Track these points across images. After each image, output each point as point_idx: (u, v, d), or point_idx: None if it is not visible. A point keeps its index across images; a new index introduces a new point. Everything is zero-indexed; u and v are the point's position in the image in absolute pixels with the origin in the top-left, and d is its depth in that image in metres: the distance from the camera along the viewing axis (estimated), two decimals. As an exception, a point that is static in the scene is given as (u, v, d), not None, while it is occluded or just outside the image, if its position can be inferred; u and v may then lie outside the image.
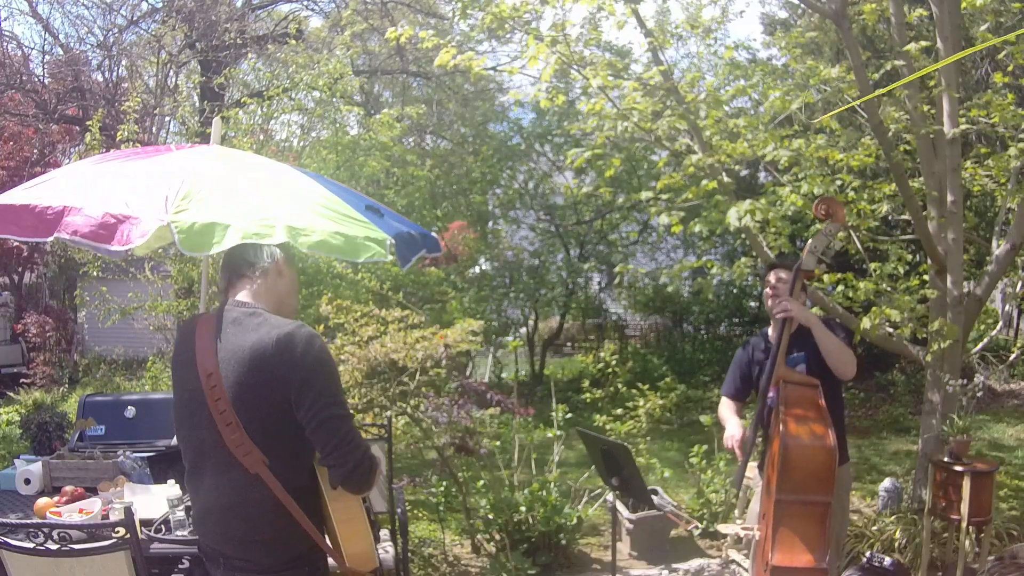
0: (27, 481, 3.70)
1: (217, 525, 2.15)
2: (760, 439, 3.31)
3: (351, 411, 2.09)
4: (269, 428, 2.05)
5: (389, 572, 3.94)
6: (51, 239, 2.16)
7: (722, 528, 4.88)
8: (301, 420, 2.03)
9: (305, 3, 17.73)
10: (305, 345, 2.04)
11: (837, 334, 3.23)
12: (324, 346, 2.10)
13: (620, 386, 7.12)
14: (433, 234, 2.92)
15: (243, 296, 2.21)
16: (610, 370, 7.47)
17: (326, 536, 2.18)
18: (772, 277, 3.37)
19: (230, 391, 2.04)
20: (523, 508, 4.75)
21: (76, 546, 2.48)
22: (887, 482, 5.24)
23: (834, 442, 2.97)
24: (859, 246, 5.32)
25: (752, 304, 11.81)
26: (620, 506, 4.95)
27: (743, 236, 5.39)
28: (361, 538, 2.12)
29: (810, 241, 3.25)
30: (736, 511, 4.97)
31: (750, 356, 3.47)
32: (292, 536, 2.09)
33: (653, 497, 4.90)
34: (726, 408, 3.47)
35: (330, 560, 2.23)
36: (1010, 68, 5.07)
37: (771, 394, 3.19)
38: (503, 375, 11.72)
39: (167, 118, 12.57)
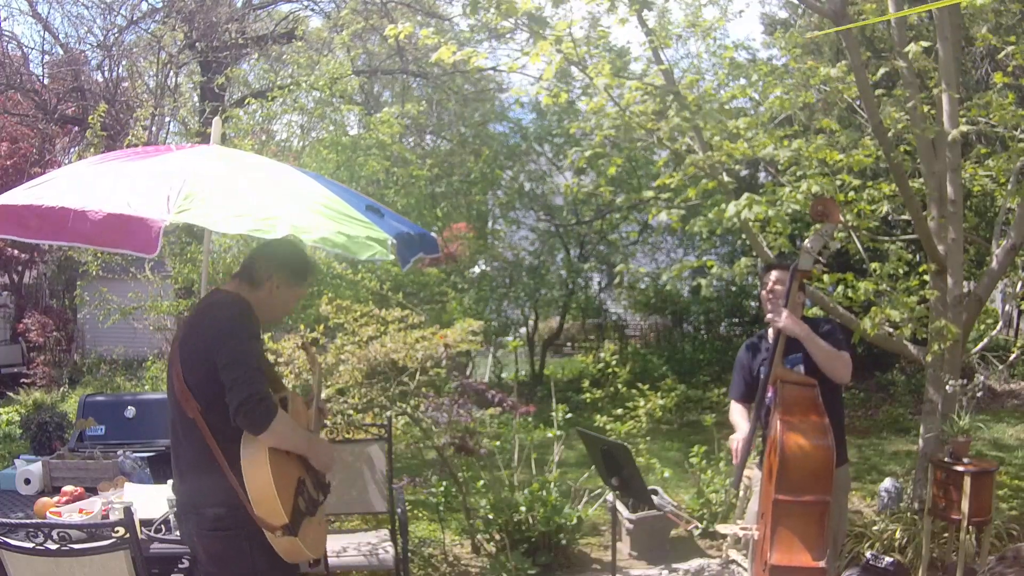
0: (27, 481, 3.70)
1: (176, 472, 2.55)
2: (759, 439, 3.31)
3: (255, 365, 2.39)
4: (202, 379, 2.40)
5: (389, 572, 3.95)
6: (60, 243, 2.21)
7: (721, 528, 4.88)
8: (217, 365, 2.36)
9: (305, 3, 17.74)
10: (228, 310, 2.48)
11: (835, 336, 3.22)
12: (244, 315, 2.48)
13: (620, 386, 7.11)
14: (432, 235, 2.93)
15: (229, 288, 2.60)
16: (610, 370, 7.45)
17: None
18: (769, 279, 3.36)
19: (181, 350, 2.48)
20: (523, 508, 4.75)
21: (76, 546, 2.49)
22: (887, 482, 5.24)
23: (832, 441, 2.96)
24: (859, 246, 5.31)
25: (752, 304, 11.80)
26: (620, 506, 4.94)
27: (743, 236, 5.38)
28: (266, 488, 2.35)
29: (806, 241, 3.24)
30: (736, 511, 4.97)
31: (752, 356, 3.46)
32: (221, 490, 2.38)
33: (653, 497, 4.90)
34: (737, 414, 3.46)
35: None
36: (1010, 68, 5.07)
37: (769, 394, 3.19)
38: (503, 375, 11.71)
39: (167, 118, 12.57)
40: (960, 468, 4.10)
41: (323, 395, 4.47)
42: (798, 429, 2.99)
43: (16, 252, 12.52)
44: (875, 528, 4.69)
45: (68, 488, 3.46)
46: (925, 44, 4.60)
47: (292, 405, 2.65)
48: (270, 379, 2.75)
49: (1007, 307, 11.21)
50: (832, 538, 3.09)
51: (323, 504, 2.66)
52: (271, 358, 4.00)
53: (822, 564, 2.88)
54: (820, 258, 3.23)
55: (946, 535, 4.47)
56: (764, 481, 3.13)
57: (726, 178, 4.93)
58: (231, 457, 2.38)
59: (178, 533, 3.02)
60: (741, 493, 4.58)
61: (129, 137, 6.31)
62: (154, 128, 12.03)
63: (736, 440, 3.26)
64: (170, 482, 3.28)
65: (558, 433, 5.28)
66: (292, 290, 2.64)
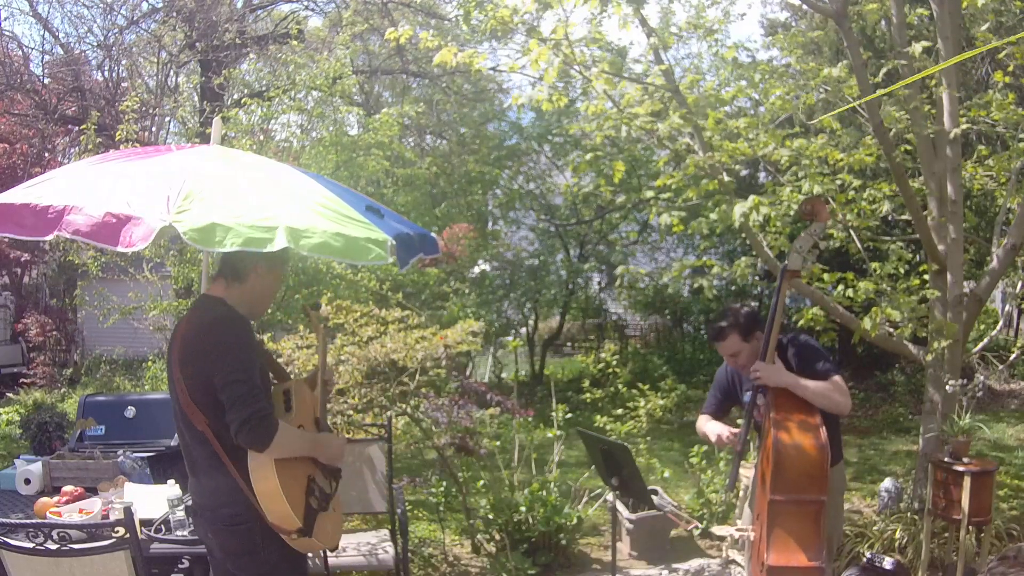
0: (27, 481, 3.70)
1: (190, 473, 2.58)
2: (751, 440, 3.29)
3: (255, 383, 2.39)
4: (205, 393, 2.41)
5: (389, 572, 3.95)
6: (51, 237, 2.18)
7: (716, 530, 4.89)
8: (215, 384, 2.37)
9: (305, 3, 17.73)
10: (224, 327, 2.46)
11: (815, 357, 3.13)
12: (241, 330, 2.48)
13: (620, 386, 7.12)
14: (433, 235, 2.93)
15: (216, 291, 2.58)
16: (610, 370, 7.47)
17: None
18: (725, 354, 3.27)
19: (180, 364, 2.47)
20: (523, 508, 4.75)
21: (76, 546, 2.49)
22: (887, 482, 5.24)
23: (825, 440, 2.95)
24: (859, 246, 5.31)
25: (752, 304, 11.79)
26: (620, 506, 4.94)
27: (743, 236, 5.38)
28: (276, 498, 2.38)
29: (795, 241, 3.23)
30: (736, 511, 4.97)
31: (732, 380, 3.44)
32: (234, 491, 2.42)
33: (653, 497, 4.90)
34: (704, 421, 3.44)
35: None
36: (1010, 68, 5.07)
37: (760, 400, 3.18)
38: (503, 375, 11.71)
39: (167, 118, 12.57)
40: (960, 468, 4.10)
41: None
42: (791, 429, 2.98)
43: (16, 254, 12.50)
44: (875, 528, 4.69)
45: (68, 488, 3.46)
46: (926, 44, 4.60)
47: (297, 396, 2.67)
48: (273, 370, 2.79)
49: (1007, 307, 11.22)
50: (828, 538, 3.09)
51: (336, 493, 2.67)
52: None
53: (818, 563, 2.88)
54: (809, 257, 3.20)
55: (946, 535, 4.47)
56: (758, 483, 3.13)
57: (726, 178, 4.93)
58: (241, 465, 2.40)
59: (179, 533, 3.02)
60: (742, 493, 4.59)
61: (119, 129, 6.29)
62: (153, 128, 12.03)
63: (721, 435, 3.22)
64: (170, 482, 3.32)
65: (558, 433, 5.29)
66: (275, 273, 2.66)
